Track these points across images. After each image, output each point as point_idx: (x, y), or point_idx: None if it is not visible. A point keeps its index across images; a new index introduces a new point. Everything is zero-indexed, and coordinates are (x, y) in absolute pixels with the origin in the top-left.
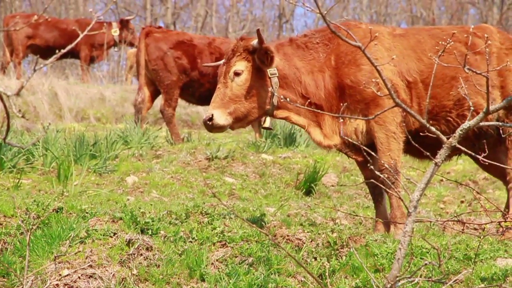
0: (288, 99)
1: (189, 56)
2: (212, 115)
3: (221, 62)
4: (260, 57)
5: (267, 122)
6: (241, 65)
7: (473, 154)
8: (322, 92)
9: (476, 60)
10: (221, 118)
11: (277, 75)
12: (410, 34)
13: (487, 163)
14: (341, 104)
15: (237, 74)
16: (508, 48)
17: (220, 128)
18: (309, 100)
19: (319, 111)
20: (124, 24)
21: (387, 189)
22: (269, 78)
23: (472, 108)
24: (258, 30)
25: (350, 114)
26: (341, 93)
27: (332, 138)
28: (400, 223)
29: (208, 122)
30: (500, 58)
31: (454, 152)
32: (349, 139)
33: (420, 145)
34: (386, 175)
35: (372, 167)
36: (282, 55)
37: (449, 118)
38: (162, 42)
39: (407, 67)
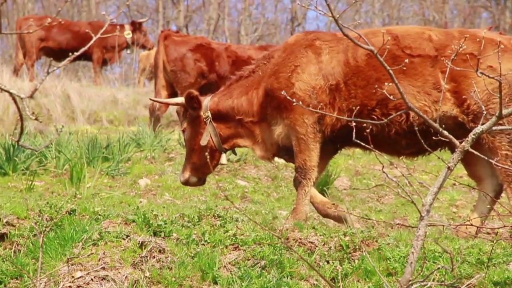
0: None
1: (208, 59)
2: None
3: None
4: (189, 106)
5: (223, 158)
6: (184, 123)
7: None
8: (255, 107)
9: (413, 63)
10: (181, 176)
11: (210, 116)
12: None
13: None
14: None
15: (183, 132)
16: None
17: (186, 184)
18: (244, 120)
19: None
20: (136, 27)
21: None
22: (204, 121)
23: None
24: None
25: (272, 121)
26: (267, 102)
27: (270, 149)
28: (298, 211)
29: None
30: (454, 64)
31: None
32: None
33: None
34: (297, 175)
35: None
36: (225, 93)
37: (373, 116)
38: (181, 44)
39: (332, 71)
